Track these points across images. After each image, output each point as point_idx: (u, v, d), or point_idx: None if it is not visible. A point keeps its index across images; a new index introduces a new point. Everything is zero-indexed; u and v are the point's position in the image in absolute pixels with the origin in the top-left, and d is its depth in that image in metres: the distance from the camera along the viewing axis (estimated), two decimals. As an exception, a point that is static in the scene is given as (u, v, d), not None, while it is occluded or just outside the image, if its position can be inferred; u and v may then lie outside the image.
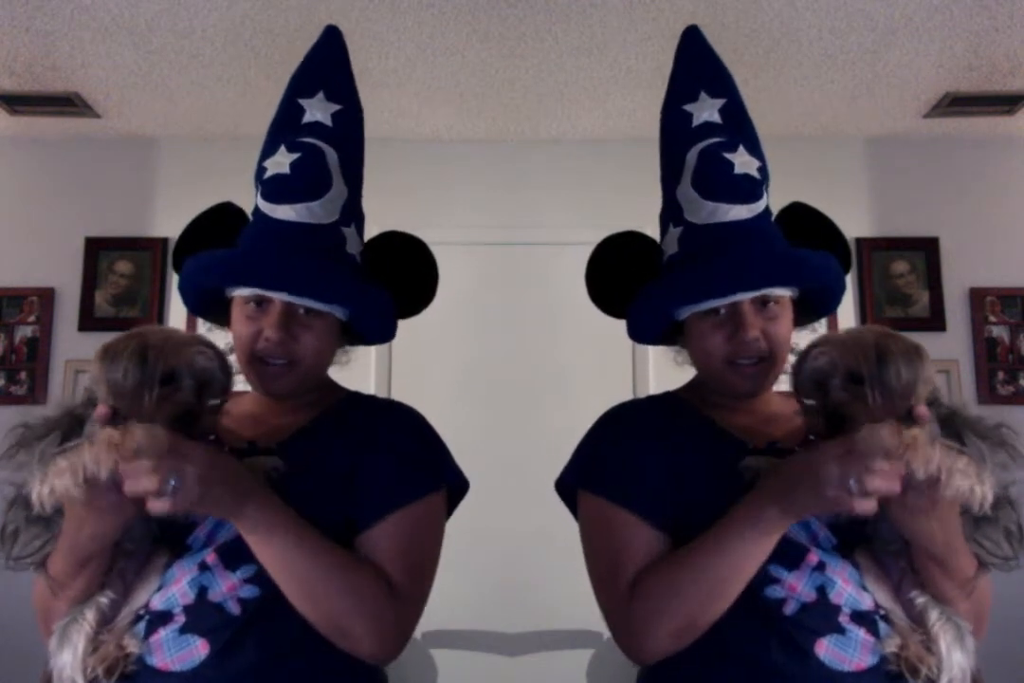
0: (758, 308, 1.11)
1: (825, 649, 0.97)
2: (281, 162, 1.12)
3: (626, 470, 1.12)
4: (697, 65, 1.21)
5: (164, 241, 3.02)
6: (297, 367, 1.11)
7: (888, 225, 3.07)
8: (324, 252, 1.12)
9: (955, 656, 0.94)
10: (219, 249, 1.14)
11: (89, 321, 2.98)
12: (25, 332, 2.97)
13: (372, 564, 1.04)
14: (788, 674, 0.97)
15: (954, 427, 0.95)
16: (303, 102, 1.17)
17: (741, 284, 1.09)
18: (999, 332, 2.99)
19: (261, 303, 1.10)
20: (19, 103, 2.79)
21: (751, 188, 1.13)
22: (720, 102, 1.17)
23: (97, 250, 3.02)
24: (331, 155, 1.14)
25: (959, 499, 0.88)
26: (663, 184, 1.22)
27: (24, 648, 1.27)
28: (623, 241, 1.23)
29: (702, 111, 1.17)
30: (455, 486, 1.17)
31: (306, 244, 1.11)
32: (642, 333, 1.21)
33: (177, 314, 2.98)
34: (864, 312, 3.01)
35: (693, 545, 1.02)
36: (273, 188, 1.13)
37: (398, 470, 1.11)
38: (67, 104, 2.80)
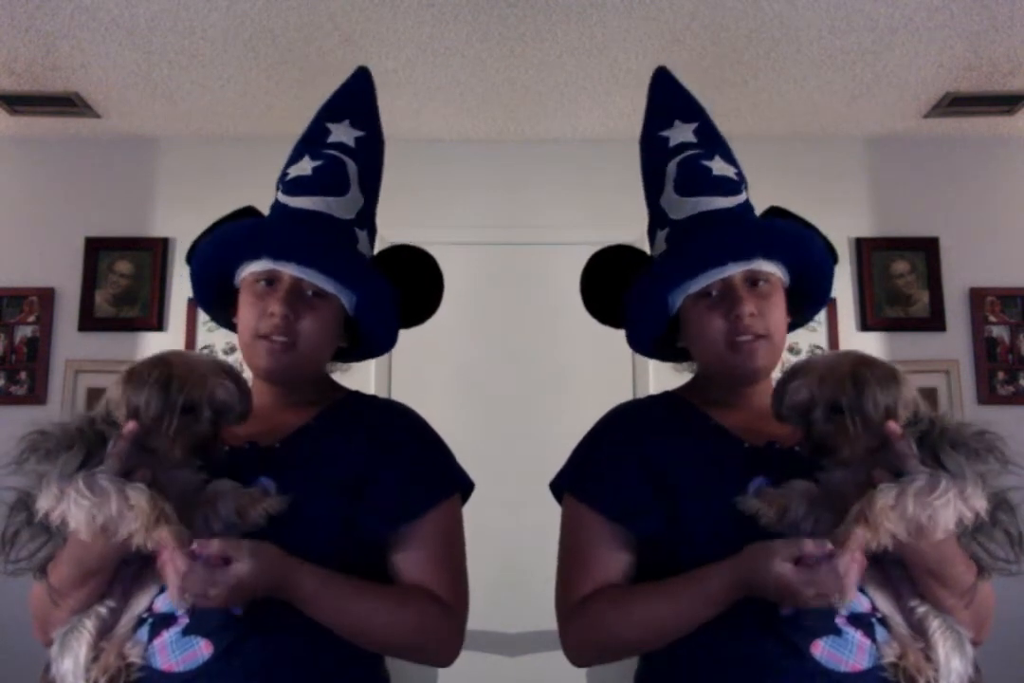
0: (749, 287, 1.12)
1: (821, 650, 0.97)
2: (304, 167, 1.17)
3: (611, 478, 1.13)
4: (669, 98, 1.27)
5: (164, 241, 3.02)
6: (297, 348, 1.11)
7: (888, 225, 3.07)
8: (337, 238, 1.15)
9: (953, 663, 0.94)
10: (232, 224, 1.16)
11: (89, 321, 2.98)
12: (25, 332, 2.97)
13: (417, 588, 1.08)
14: (784, 674, 0.98)
15: (929, 444, 0.95)
16: (330, 125, 1.22)
17: (729, 253, 1.11)
18: (999, 332, 2.99)
19: (271, 282, 1.12)
20: (19, 103, 2.79)
21: (730, 185, 1.17)
22: (693, 125, 1.23)
23: (97, 250, 3.02)
24: (351, 166, 1.19)
25: (951, 530, 0.91)
26: (648, 200, 1.26)
27: (24, 649, 1.27)
28: (614, 253, 1.25)
29: (678, 134, 1.22)
30: (464, 487, 1.19)
31: (320, 228, 1.14)
32: (640, 332, 1.22)
33: (177, 314, 2.97)
34: (864, 312, 3.00)
35: (644, 592, 1.06)
36: (294, 185, 1.17)
37: (416, 478, 1.13)
38: (67, 104, 2.80)
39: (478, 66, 2.58)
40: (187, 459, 0.96)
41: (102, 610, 0.97)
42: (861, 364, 0.97)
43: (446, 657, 1.10)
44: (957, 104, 2.81)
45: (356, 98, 1.27)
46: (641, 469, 1.11)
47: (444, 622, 1.08)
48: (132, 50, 2.47)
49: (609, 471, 1.13)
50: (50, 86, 2.69)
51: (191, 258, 1.20)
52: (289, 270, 1.11)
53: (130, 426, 0.93)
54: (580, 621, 1.09)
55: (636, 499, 1.10)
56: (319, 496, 1.06)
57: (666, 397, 1.24)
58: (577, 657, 1.12)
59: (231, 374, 1.01)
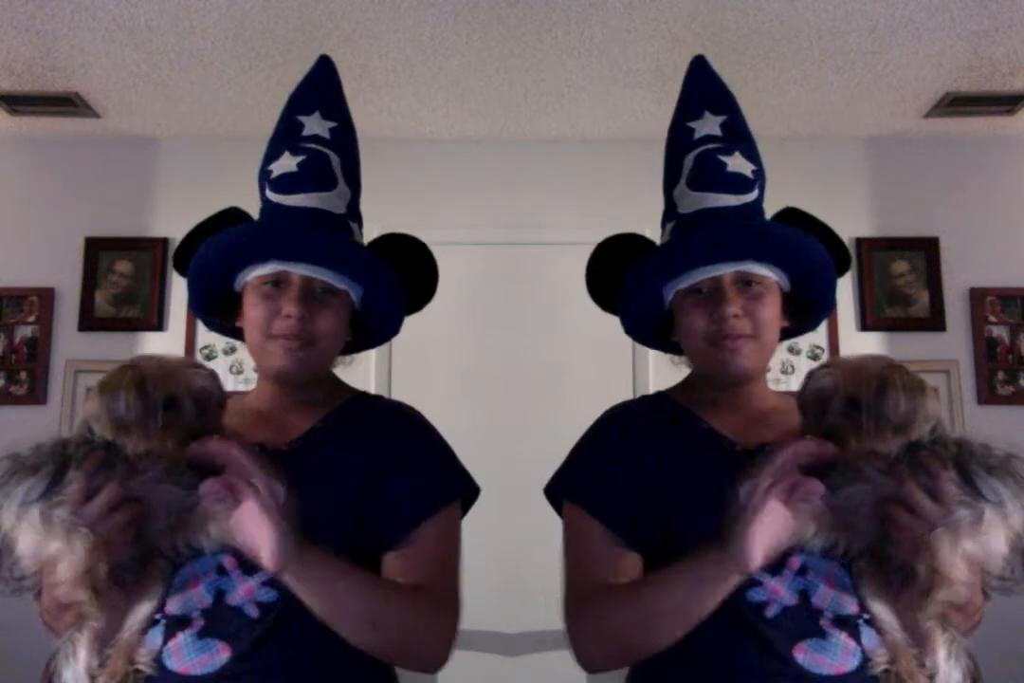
0: (740, 288, 1.11)
1: (803, 653, 0.97)
2: (287, 163, 1.15)
3: (606, 482, 1.12)
4: (703, 88, 1.25)
5: (164, 241, 3.02)
6: (314, 347, 1.11)
7: (888, 225, 3.07)
8: (338, 233, 1.15)
9: (954, 676, 0.94)
10: (233, 229, 1.14)
11: (89, 321, 2.98)
12: (25, 332, 2.97)
13: (418, 586, 1.06)
14: (766, 678, 0.97)
15: (964, 469, 0.93)
16: (302, 118, 1.20)
17: (719, 253, 1.10)
18: (999, 332, 2.99)
19: (279, 284, 1.11)
20: (19, 103, 2.79)
21: (741, 183, 1.15)
22: (722, 118, 1.20)
23: (97, 250, 3.02)
24: (334, 159, 1.17)
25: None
26: (664, 191, 1.25)
27: (24, 648, 1.27)
28: (621, 241, 1.24)
29: (704, 126, 1.20)
30: (469, 492, 1.18)
31: (322, 224, 1.13)
32: (633, 320, 1.22)
33: (177, 314, 2.98)
34: (864, 312, 3.00)
35: (644, 582, 1.04)
36: (284, 183, 1.15)
37: (424, 483, 1.12)
38: (67, 104, 2.80)
39: (478, 66, 2.58)
40: (182, 453, 0.94)
41: (95, 623, 0.96)
42: (891, 368, 0.96)
43: (441, 658, 1.06)
44: (957, 104, 2.81)
45: (322, 88, 1.25)
46: (635, 474, 1.11)
47: (443, 619, 1.07)
48: (132, 50, 2.47)
49: (603, 479, 1.13)
50: (50, 86, 2.69)
51: (179, 266, 1.17)
52: (299, 270, 1.10)
53: (96, 455, 0.91)
54: (583, 618, 1.07)
55: (629, 508, 1.09)
56: (327, 498, 1.06)
57: (658, 398, 1.23)
58: (589, 662, 1.08)
59: (202, 365, 1.00)
